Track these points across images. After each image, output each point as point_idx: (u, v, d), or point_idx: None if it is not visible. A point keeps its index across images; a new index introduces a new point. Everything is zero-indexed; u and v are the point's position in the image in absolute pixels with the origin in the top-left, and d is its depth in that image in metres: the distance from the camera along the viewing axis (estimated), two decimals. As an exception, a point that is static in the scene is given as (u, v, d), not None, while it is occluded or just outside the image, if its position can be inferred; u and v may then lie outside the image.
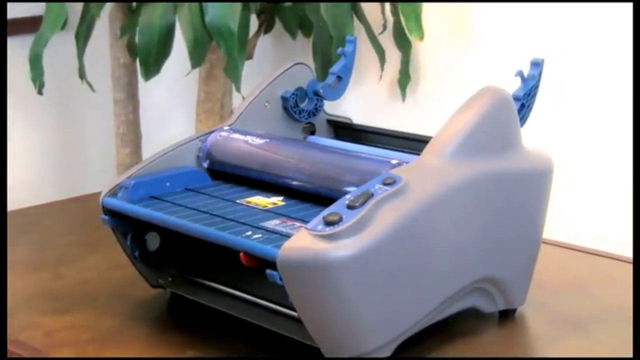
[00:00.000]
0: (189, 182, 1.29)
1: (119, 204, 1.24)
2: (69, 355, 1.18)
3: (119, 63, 2.49)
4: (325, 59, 2.21)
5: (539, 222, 1.25)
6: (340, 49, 1.43)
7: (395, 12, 2.23)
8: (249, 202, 1.23)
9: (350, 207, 1.04)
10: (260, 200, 1.23)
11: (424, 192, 1.08)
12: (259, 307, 1.23)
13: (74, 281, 1.40)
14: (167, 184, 1.27)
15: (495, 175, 1.15)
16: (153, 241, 1.29)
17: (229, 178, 1.31)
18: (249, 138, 1.31)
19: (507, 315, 1.25)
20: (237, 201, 1.23)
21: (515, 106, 1.20)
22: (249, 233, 1.11)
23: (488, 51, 2.19)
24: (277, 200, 1.23)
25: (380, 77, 2.27)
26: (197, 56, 2.11)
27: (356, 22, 2.23)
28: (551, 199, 1.26)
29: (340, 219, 1.02)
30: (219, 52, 2.13)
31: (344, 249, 1.01)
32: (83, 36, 2.35)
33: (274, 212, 1.19)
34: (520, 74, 1.26)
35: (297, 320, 1.11)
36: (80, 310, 1.30)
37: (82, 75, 2.36)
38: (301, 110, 1.41)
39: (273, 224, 1.14)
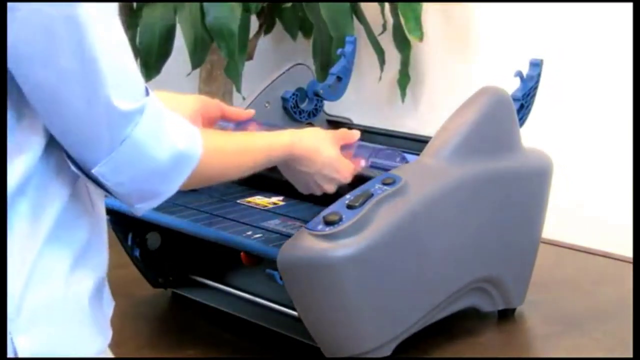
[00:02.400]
0: None
1: (120, 204, 1.24)
2: (70, 354, 1.18)
3: (119, 63, 2.50)
4: (325, 59, 2.21)
5: (538, 222, 1.25)
6: (339, 50, 1.43)
7: (394, 13, 2.23)
8: (249, 202, 1.23)
9: (350, 207, 1.04)
10: (261, 200, 1.24)
11: (424, 192, 1.08)
12: (259, 307, 1.23)
13: (75, 281, 1.41)
14: None
15: (494, 175, 1.16)
16: (154, 241, 1.29)
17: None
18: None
19: (506, 315, 1.25)
20: (238, 201, 1.24)
21: (514, 106, 1.21)
22: (250, 233, 1.12)
23: (487, 51, 2.19)
24: (277, 200, 1.23)
25: (380, 77, 2.27)
26: (197, 57, 2.11)
27: (356, 22, 2.23)
28: (551, 198, 1.26)
29: (340, 219, 1.02)
30: (219, 52, 2.13)
31: (343, 248, 1.01)
32: (84, 37, 2.35)
33: (274, 212, 1.19)
34: (519, 74, 1.26)
35: (297, 320, 1.11)
36: (82, 309, 1.30)
37: (82, 75, 2.37)
38: (301, 110, 1.41)
39: (273, 223, 1.15)
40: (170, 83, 2.61)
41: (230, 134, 1.08)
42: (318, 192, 1.12)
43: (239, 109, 1.25)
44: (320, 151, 1.08)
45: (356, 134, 1.16)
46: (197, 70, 2.28)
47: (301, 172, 1.09)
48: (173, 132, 0.86)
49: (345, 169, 1.11)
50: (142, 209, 0.91)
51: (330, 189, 1.12)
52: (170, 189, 0.89)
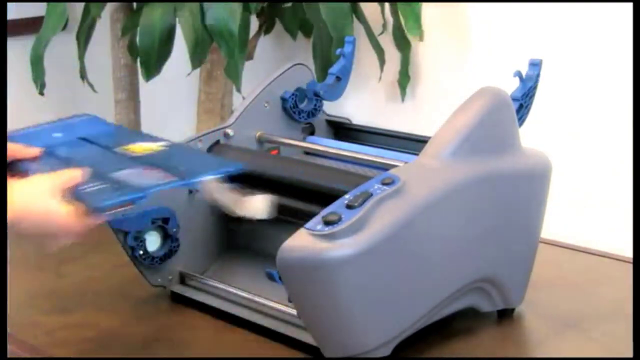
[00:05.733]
0: (84, 131, 1.23)
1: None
2: (70, 354, 1.18)
3: (120, 64, 2.49)
4: (325, 59, 2.21)
5: (537, 222, 1.25)
6: (339, 50, 1.43)
7: (394, 13, 2.23)
8: (126, 149, 1.15)
9: (349, 206, 1.04)
10: (140, 147, 1.15)
11: (423, 192, 1.08)
12: (259, 306, 1.23)
13: (75, 280, 1.41)
14: (58, 134, 1.22)
15: (493, 175, 1.16)
16: (153, 241, 1.29)
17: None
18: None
19: (505, 315, 1.25)
20: (116, 149, 1.15)
21: (513, 107, 1.21)
22: (86, 186, 1.02)
23: (487, 51, 2.20)
24: (159, 146, 1.15)
25: (380, 77, 2.27)
26: (197, 57, 2.12)
27: (356, 22, 2.23)
28: (550, 199, 1.26)
29: (340, 219, 1.03)
30: (219, 52, 2.14)
31: (343, 248, 1.02)
32: (84, 37, 2.35)
33: (141, 161, 1.10)
34: (518, 74, 1.26)
35: (297, 320, 1.11)
36: (81, 309, 1.30)
37: (83, 75, 2.37)
38: (300, 110, 1.41)
39: (125, 174, 1.05)
40: (171, 83, 2.61)
41: None
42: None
43: None
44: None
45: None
46: (197, 70, 2.28)
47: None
48: None
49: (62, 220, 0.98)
50: None
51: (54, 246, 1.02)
52: None
